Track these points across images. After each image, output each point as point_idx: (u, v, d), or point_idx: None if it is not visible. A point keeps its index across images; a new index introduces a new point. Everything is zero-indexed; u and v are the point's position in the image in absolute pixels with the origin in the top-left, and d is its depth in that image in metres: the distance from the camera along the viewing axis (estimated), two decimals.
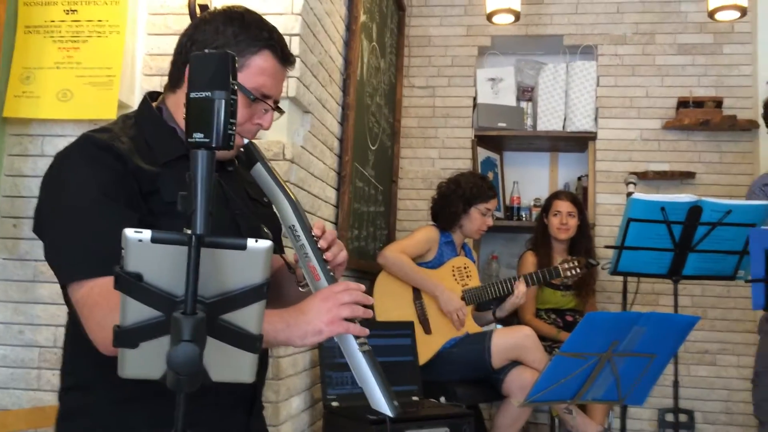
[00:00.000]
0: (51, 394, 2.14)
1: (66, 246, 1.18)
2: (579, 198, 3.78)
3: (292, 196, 1.30)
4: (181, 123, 1.31)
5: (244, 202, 1.38)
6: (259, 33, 1.29)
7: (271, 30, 1.32)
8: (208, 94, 0.86)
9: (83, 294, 1.14)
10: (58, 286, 2.15)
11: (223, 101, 0.86)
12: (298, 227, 1.27)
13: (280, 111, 1.36)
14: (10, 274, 2.20)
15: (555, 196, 3.64)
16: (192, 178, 0.86)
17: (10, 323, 2.19)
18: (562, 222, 3.51)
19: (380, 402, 1.19)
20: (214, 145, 0.85)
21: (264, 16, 1.35)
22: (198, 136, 0.86)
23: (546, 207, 3.63)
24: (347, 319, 1.19)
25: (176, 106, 1.33)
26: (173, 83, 1.35)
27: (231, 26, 1.29)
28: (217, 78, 0.86)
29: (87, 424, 1.23)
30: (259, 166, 1.30)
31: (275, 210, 1.32)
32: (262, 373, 1.42)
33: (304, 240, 1.26)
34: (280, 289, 1.50)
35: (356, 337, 1.21)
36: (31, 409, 1.96)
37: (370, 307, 1.23)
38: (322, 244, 1.28)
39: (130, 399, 1.19)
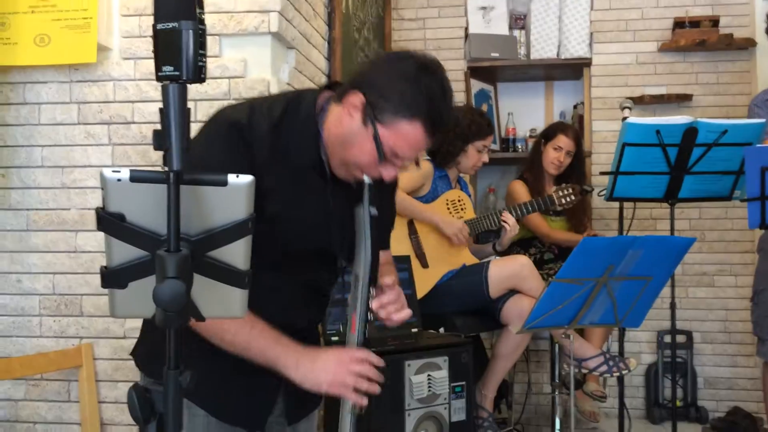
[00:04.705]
0: (53, 340, 2.17)
1: None
2: (580, 135, 3.69)
3: (373, 252, 1.33)
4: (334, 152, 1.33)
5: (347, 219, 1.38)
6: (422, 101, 1.27)
7: (432, 98, 1.28)
8: (175, 24, 0.83)
9: None
10: (51, 234, 2.19)
11: (191, 32, 0.83)
12: (360, 279, 1.33)
13: (417, 165, 1.38)
14: (2, 224, 2.20)
15: (561, 129, 3.49)
16: (165, 114, 0.84)
17: (7, 273, 2.20)
18: (560, 159, 3.45)
19: None
20: (184, 78, 0.83)
21: None
22: (168, 69, 0.83)
23: (547, 136, 3.51)
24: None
25: (337, 122, 1.31)
26: (339, 96, 1.33)
27: (406, 82, 1.27)
28: (183, 6, 0.83)
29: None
30: (361, 208, 1.32)
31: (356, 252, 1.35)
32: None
33: (359, 293, 1.33)
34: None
35: None
36: (34, 356, 2.00)
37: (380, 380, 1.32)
38: (374, 305, 1.33)
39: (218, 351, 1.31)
